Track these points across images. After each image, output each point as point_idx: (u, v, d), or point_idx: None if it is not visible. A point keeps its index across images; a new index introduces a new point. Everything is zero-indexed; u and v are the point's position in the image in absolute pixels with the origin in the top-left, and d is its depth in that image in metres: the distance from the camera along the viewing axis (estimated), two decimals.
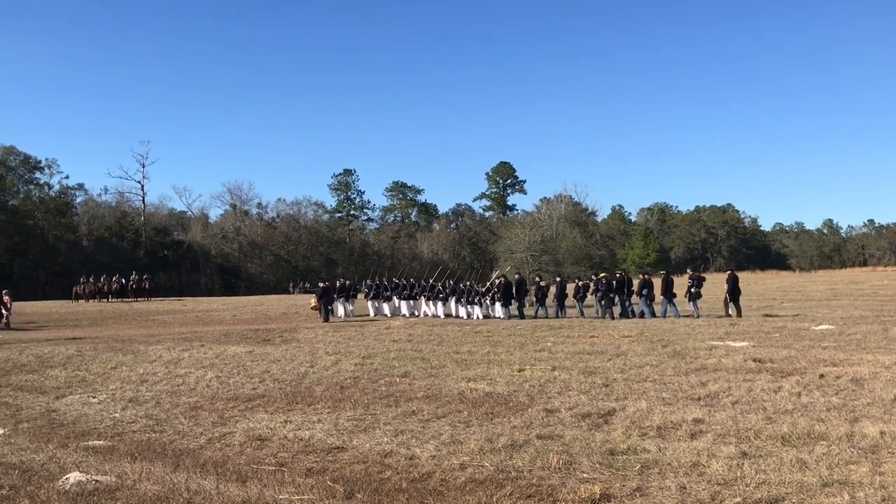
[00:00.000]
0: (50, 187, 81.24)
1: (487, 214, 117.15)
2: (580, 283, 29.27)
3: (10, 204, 76.33)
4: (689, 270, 31.83)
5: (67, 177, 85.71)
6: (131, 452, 7.86)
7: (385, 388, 11.38)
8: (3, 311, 31.01)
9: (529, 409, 9.32)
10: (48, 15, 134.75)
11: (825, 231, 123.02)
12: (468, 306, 28.65)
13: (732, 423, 8.07)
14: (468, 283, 30.01)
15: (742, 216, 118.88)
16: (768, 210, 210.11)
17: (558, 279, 31.83)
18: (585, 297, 28.57)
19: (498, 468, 6.75)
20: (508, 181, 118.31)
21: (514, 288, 28.09)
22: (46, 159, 79.98)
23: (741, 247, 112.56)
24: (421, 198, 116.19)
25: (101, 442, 8.52)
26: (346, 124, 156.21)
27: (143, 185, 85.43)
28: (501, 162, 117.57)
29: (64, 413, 10.48)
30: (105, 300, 46.91)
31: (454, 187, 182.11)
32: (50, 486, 6.63)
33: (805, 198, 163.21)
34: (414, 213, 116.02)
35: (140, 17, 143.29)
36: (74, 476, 6.79)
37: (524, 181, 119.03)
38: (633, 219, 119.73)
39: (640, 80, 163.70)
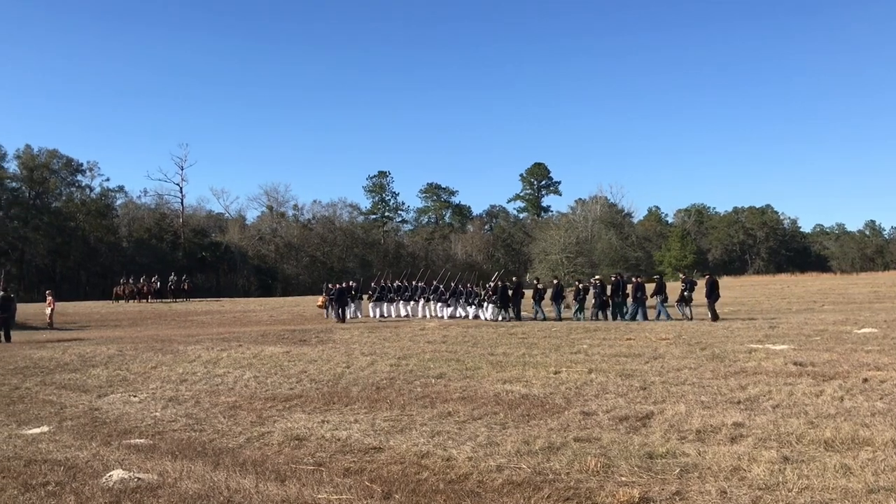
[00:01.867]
0: (91, 190, 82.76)
1: (522, 216, 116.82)
2: (580, 286, 29.25)
3: (52, 206, 77.92)
4: (681, 275, 31.97)
5: (108, 179, 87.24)
6: (172, 451, 7.97)
7: (421, 390, 11.40)
8: (47, 311, 31.70)
9: (566, 412, 9.27)
10: (88, 20, 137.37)
11: (867, 232, 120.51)
12: (468, 307, 29.13)
13: (773, 427, 7.95)
14: (469, 285, 30.53)
15: (781, 217, 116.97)
16: (808, 211, 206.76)
17: (555, 281, 31.85)
18: (585, 299, 28.46)
19: (535, 470, 6.72)
20: (543, 182, 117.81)
21: (509, 291, 28.19)
22: (88, 162, 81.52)
23: (780, 248, 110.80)
24: (455, 199, 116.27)
25: (142, 440, 8.66)
26: (380, 126, 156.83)
27: (181, 188, 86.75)
28: (536, 163, 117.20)
29: (106, 411, 10.67)
30: (144, 301, 47.62)
31: (488, 189, 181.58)
32: (94, 482, 6.76)
33: (846, 198, 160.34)
34: (448, 215, 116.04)
35: (177, 19, 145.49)
36: (118, 473, 6.90)
37: (559, 182, 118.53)
38: (670, 220, 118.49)
39: (677, 79, 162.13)
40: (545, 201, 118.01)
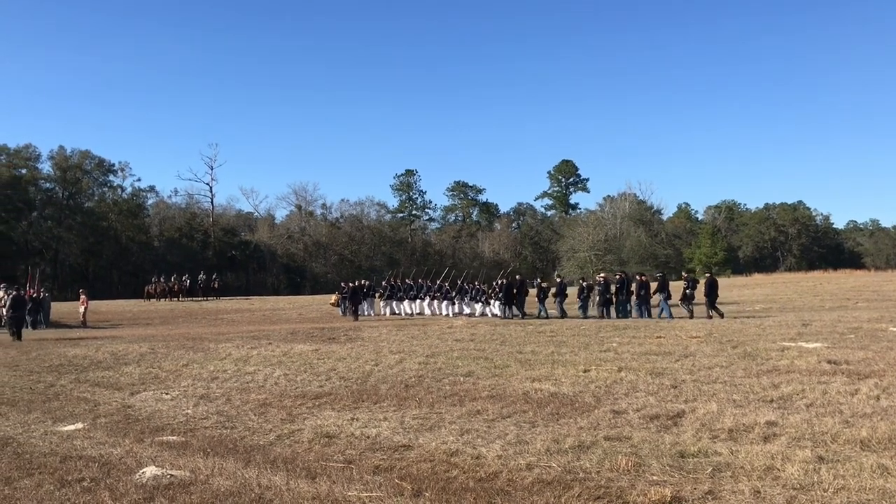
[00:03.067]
0: (123, 190, 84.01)
1: (550, 213, 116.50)
2: (584, 284, 29.33)
3: (85, 206, 79.16)
4: (683, 273, 32.42)
5: (139, 179, 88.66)
6: (204, 448, 8.05)
7: (449, 388, 11.40)
8: (80, 310, 32.20)
9: (596, 410, 9.21)
10: (118, 21, 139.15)
11: None
12: (474, 305, 29.87)
13: (807, 426, 7.83)
14: (476, 283, 31.28)
15: (814, 213, 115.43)
16: (842, 207, 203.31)
17: (559, 279, 31.97)
18: (589, 297, 28.46)
19: (565, 469, 6.69)
20: (571, 180, 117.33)
21: (514, 288, 28.55)
22: (119, 163, 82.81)
23: (813, 245, 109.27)
24: (482, 197, 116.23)
25: (174, 437, 8.75)
26: (408, 125, 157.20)
27: (211, 187, 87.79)
28: (564, 160, 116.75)
29: (139, 409, 10.80)
30: (175, 299, 48.20)
31: (515, 186, 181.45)
32: (128, 479, 6.84)
33: (881, 194, 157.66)
34: (475, 213, 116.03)
35: (208, 19, 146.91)
36: (150, 470, 6.99)
37: (587, 179, 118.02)
38: (700, 217, 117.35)
39: (707, 74, 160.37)
40: (573, 198, 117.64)
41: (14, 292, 26.52)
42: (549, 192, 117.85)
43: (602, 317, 26.04)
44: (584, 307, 27.97)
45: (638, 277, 27.61)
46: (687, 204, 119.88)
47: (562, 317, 27.41)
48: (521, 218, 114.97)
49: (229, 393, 11.82)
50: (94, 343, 20.09)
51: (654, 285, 27.14)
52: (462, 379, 12.14)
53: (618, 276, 28.01)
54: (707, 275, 27.20)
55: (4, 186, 71.14)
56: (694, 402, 9.45)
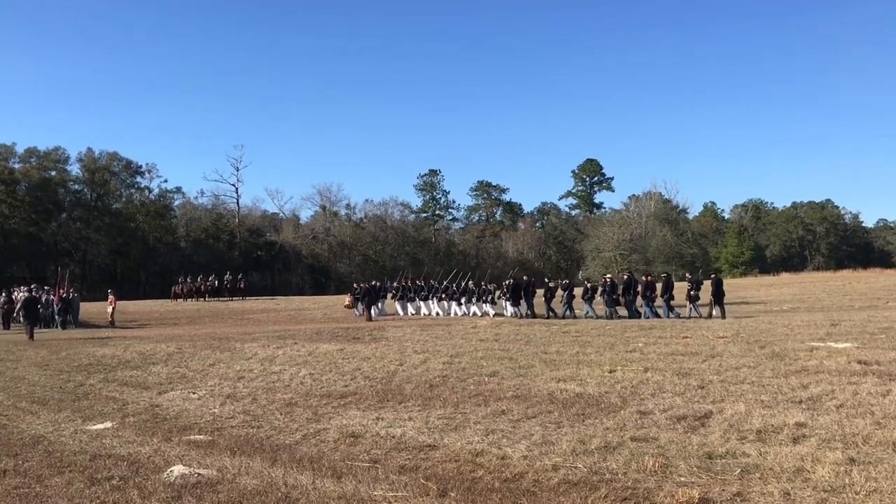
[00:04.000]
0: (150, 191, 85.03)
1: (574, 213, 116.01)
2: (589, 285, 29.67)
3: (113, 207, 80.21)
4: (687, 274, 32.86)
5: (166, 181, 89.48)
6: (230, 447, 8.11)
7: (474, 388, 11.39)
8: (108, 310, 32.61)
9: (622, 411, 9.15)
10: (142, 22, 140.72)
11: None
12: (483, 305, 30.49)
13: (838, 427, 7.72)
14: (483, 284, 31.95)
15: (842, 212, 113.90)
16: (871, 205, 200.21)
17: (565, 281, 32.33)
18: (594, 297, 28.81)
19: (591, 470, 6.65)
20: (595, 179, 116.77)
21: (521, 289, 29.27)
22: (147, 164, 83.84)
23: (841, 244, 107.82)
24: (506, 197, 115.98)
25: (201, 436, 8.82)
26: (431, 125, 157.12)
27: (237, 188, 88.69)
28: (588, 159, 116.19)
29: (166, 408, 10.91)
30: (202, 299, 48.63)
31: (539, 186, 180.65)
32: (156, 477, 6.91)
33: None
34: (499, 213, 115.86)
35: (229, 23, 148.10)
36: (178, 469, 7.05)
37: (611, 178, 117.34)
38: (727, 216, 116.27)
39: (730, 71, 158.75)
40: (598, 198, 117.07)
41: (27, 294, 26.99)
42: (573, 191, 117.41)
43: (610, 317, 26.27)
44: (588, 305, 28.51)
45: (643, 278, 28.06)
46: (713, 203, 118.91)
47: (563, 317, 27.76)
48: (546, 217, 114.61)
49: (255, 392, 11.90)
50: (122, 343, 20.33)
51: (658, 286, 27.56)
52: (486, 379, 12.12)
53: (624, 277, 28.17)
54: (713, 275, 27.46)
55: (35, 188, 72.26)
56: (721, 402, 9.36)
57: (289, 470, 7.00)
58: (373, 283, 34.15)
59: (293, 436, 8.65)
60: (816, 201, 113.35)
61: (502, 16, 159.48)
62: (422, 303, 32.97)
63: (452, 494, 6.13)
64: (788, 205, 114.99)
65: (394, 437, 8.30)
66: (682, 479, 6.27)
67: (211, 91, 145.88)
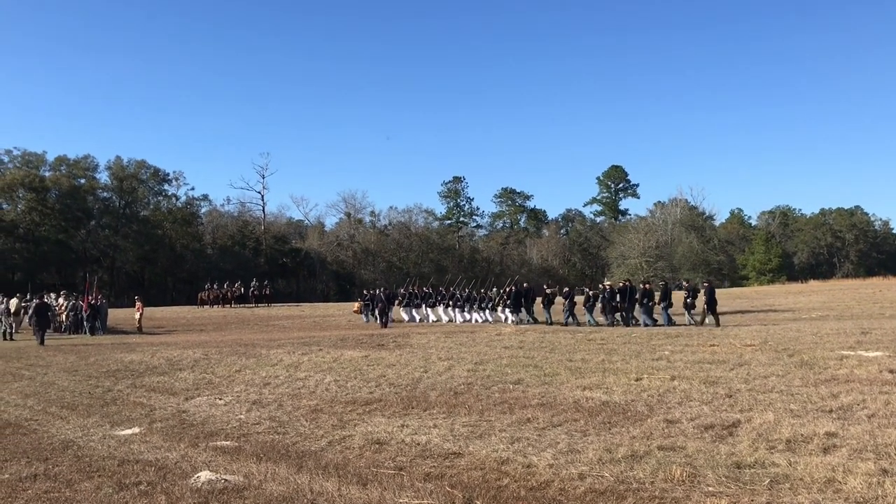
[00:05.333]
0: (177, 199, 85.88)
1: (599, 220, 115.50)
2: (591, 293, 29.83)
3: (141, 215, 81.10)
4: (684, 282, 32.95)
5: (193, 188, 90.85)
6: (257, 453, 8.15)
7: (499, 395, 11.35)
8: (136, 316, 32.96)
9: (649, 420, 9.08)
10: (169, 35, 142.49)
11: None
12: (480, 312, 30.97)
13: (869, 437, 7.59)
14: (483, 291, 32.76)
15: (872, 219, 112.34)
16: None
17: (566, 289, 32.68)
18: (595, 306, 28.88)
19: (618, 479, 6.60)
20: (620, 185, 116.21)
21: (522, 296, 29.70)
22: (174, 172, 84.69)
23: (871, 251, 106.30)
24: (530, 203, 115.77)
25: (228, 442, 8.88)
26: (455, 131, 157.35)
27: (262, 196, 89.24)
28: (613, 166, 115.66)
29: (193, 414, 10.99)
30: (228, 306, 48.96)
31: (564, 192, 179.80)
32: (183, 483, 6.96)
33: None
34: (523, 220, 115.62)
35: (254, 31, 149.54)
36: (205, 475, 7.10)
37: (637, 185, 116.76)
38: (754, 223, 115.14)
39: (759, 75, 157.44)
40: (623, 204, 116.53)
41: (37, 301, 27.40)
42: (598, 197, 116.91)
43: (610, 325, 26.41)
44: (589, 314, 28.74)
45: (641, 286, 28.17)
46: (740, 209, 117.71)
47: (565, 324, 27.93)
48: (570, 224, 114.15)
49: (281, 398, 11.96)
50: (149, 349, 20.53)
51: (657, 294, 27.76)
52: (511, 386, 12.08)
53: (621, 285, 28.18)
54: (706, 284, 27.47)
55: (64, 196, 73.25)
56: (750, 411, 9.24)
57: (314, 476, 7.02)
58: (384, 290, 34.80)
59: (318, 442, 8.68)
60: (845, 208, 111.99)
61: (527, 20, 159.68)
62: (428, 310, 33.65)
63: (478, 502, 6.12)
64: (817, 211, 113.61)
65: (419, 444, 8.29)
66: (711, 488, 6.21)
67: (238, 99, 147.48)
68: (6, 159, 75.22)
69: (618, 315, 26.92)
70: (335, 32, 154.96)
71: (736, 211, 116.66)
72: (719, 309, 26.31)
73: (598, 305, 28.06)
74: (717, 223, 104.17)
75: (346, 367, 15.24)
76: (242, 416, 10.56)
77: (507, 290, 30.53)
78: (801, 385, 10.99)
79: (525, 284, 32.44)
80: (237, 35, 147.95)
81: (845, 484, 6.09)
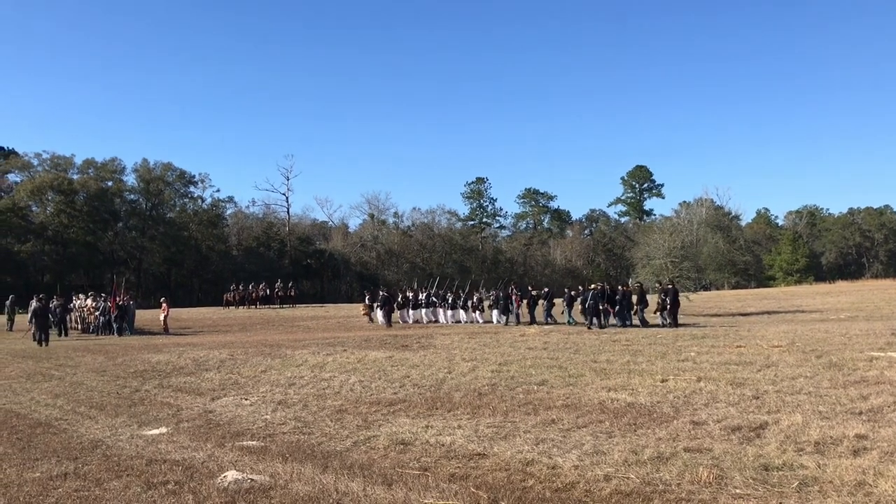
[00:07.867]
0: (203, 201, 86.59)
1: (623, 220, 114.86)
2: (572, 293, 30.79)
3: (167, 217, 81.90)
4: (657, 283, 33.07)
5: (219, 190, 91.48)
6: (282, 453, 8.20)
7: (523, 396, 11.32)
8: (162, 317, 33.28)
9: (675, 421, 9.01)
10: (194, 40, 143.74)
11: None
12: (470, 313, 32.52)
13: None
14: (476, 293, 34.22)
15: None
16: None
17: (545, 290, 33.89)
18: (572, 306, 29.76)
19: (644, 481, 6.56)
20: (645, 185, 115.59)
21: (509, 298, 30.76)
22: (200, 174, 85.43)
23: None
24: (553, 204, 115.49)
25: (254, 442, 8.93)
26: (478, 132, 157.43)
27: (287, 197, 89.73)
28: (637, 166, 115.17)
29: (219, 414, 11.08)
30: (253, 307, 49.28)
31: (588, 193, 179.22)
32: (210, 482, 7.02)
33: None
34: (546, 220, 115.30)
35: (277, 36, 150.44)
36: (232, 474, 7.15)
37: (662, 185, 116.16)
38: (781, 223, 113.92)
39: (785, 75, 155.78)
40: (647, 204, 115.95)
41: (37, 303, 27.71)
42: (622, 198, 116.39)
43: (602, 326, 26.57)
44: (568, 314, 29.85)
45: (620, 287, 28.92)
46: (766, 209, 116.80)
47: (546, 323, 29.06)
48: (594, 225, 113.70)
49: (306, 399, 12.01)
50: (176, 349, 20.71)
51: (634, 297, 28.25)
52: (536, 387, 12.05)
53: (596, 287, 28.16)
54: (669, 286, 27.91)
55: (92, 199, 74.14)
56: (777, 413, 9.15)
57: (340, 476, 7.05)
58: (391, 290, 35.33)
59: (344, 442, 8.71)
60: (874, 207, 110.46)
61: (551, 23, 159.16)
62: (423, 310, 34.42)
63: (503, 503, 6.11)
64: (845, 211, 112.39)
65: (443, 444, 8.29)
66: (738, 490, 6.15)
67: (263, 102, 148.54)
68: (36, 162, 76.53)
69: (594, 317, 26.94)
70: (357, 38, 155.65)
71: (762, 211, 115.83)
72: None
73: (577, 306, 28.79)
74: (743, 223, 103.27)
75: (370, 367, 15.28)
76: (268, 417, 10.62)
77: (495, 292, 32.30)
78: (830, 387, 10.85)
79: (512, 286, 33.42)
80: (260, 42, 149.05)
81: (876, 487, 6.01)
